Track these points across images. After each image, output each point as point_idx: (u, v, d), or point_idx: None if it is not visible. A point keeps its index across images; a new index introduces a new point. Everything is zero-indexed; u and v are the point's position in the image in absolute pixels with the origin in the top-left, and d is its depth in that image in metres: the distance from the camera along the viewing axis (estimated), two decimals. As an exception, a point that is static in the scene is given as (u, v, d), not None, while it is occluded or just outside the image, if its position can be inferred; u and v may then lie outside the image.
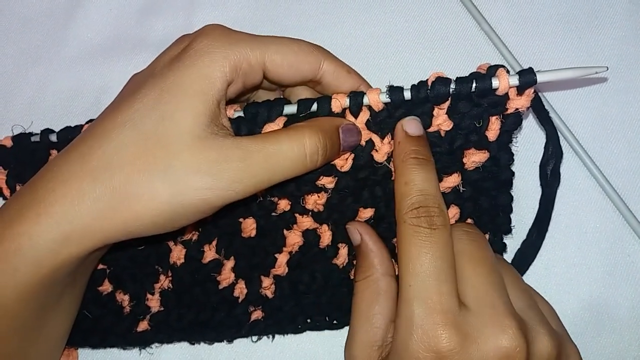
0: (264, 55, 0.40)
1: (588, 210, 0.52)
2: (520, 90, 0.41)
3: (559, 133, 0.51)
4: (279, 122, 0.42)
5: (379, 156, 0.44)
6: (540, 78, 0.40)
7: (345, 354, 0.43)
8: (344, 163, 0.43)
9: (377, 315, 0.42)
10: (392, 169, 0.44)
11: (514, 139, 0.45)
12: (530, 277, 0.50)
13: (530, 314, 0.40)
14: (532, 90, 0.41)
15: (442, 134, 0.43)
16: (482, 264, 0.40)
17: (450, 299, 0.37)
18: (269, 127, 0.41)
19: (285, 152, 0.38)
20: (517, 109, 0.42)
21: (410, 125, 0.42)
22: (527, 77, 0.40)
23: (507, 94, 0.41)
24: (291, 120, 0.42)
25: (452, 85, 0.41)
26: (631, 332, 0.50)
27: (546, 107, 0.51)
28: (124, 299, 0.49)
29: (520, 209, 0.50)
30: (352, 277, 0.48)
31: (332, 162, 0.43)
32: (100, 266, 0.49)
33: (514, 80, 0.40)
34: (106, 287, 0.49)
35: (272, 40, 0.41)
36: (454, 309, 0.37)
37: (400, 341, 0.38)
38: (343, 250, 0.48)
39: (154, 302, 0.49)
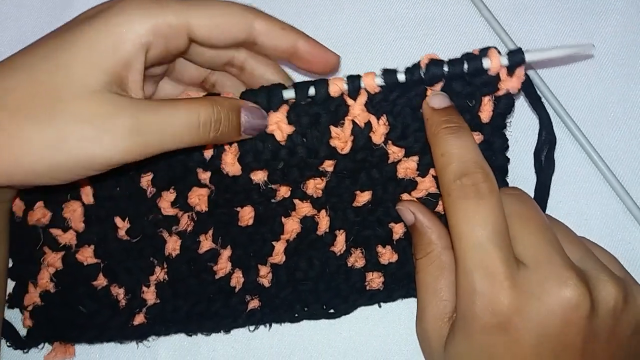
0: (187, 17, 0.38)
1: (589, 198, 0.51)
2: (511, 70, 0.42)
3: (560, 120, 0.51)
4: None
5: (376, 137, 0.44)
6: (528, 57, 0.42)
7: (417, 330, 0.44)
8: (344, 145, 0.44)
9: (444, 288, 0.42)
10: (389, 151, 0.45)
11: (508, 124, 0.45)
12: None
13: (588, 263, 0.40)
14: (523, 72, 0.42)
15: None
16: (534, 222, 0.40)
17: (508, 262, 0.37)
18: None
19: (178, 117, 0.37)
20: (508, 90, 0.43)
21: (435, 99, 0.42)
22: (516, 56, 0.41)
23: (498, 74, 0.42)
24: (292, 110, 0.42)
25: (445, 67, 0.42)
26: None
27: (547, 93, 0.51)
28: (119, 292, 0.48)
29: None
30: (349, 265, 0.49)
31: (333, 145, 0.43)
32: (94, 260, 0.48)
33: (504, 60, 0.41)
34: (101, 281, 0.48)
35: (197, 2, 0.40)
36: (513, 270, 0.37)
37: (464, 310, 0.39)
38: (340, 237, 0.48)
39: (149, 295, 0.48)
